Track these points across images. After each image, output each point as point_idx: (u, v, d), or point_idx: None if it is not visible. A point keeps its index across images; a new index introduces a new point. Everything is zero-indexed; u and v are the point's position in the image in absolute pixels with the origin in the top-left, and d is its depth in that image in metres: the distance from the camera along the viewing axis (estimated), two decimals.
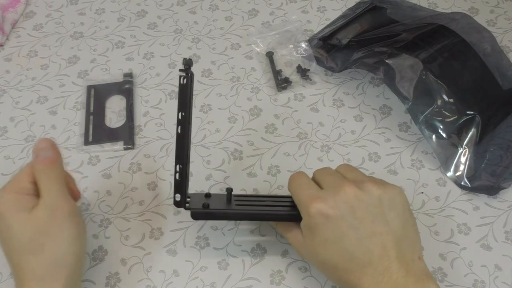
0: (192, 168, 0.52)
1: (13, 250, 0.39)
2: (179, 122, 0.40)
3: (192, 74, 0.40)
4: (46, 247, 0.38)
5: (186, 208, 0.42)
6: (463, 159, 0.51)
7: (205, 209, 0.43)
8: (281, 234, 0.45)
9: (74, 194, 0.44)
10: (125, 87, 0.58)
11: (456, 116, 0.51)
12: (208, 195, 0.45)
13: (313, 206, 0.38)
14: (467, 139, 0.51)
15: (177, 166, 0.41)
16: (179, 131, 0.40)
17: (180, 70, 0.39)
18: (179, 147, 0.41)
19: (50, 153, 0.40)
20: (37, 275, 0.38)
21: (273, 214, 0.43)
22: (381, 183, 0.40)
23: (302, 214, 0.40)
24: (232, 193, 0.45)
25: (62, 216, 0.39)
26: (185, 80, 0.39)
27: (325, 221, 0.38)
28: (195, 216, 0.43)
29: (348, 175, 0.42)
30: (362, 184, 0.39)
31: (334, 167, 0.52)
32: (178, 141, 0.41)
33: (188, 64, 0.39)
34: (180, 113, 0.40)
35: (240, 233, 0.48)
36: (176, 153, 0.41)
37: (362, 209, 0.38)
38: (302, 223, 0.40)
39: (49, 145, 0.41)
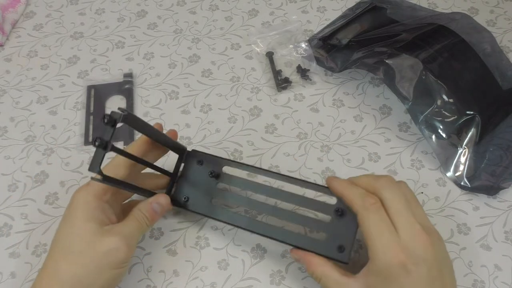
0: None
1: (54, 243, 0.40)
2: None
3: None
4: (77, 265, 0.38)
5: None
6: (463, 159, 0.51)
7: (182, 203, 0.46)
8: (320, 278, 0.40)
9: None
10: (125, 87, 0.58)
11: (456, 116, 0.51)
12: (200, 162, 0.47)
13: (395, 257, 0.36)
14: (467, 139, 0.51)
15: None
16: None
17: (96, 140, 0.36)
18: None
19: (159, 214, 0.43)
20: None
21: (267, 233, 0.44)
22: (436, 231, 0.39)
23: (375, 259, 0.37)
24: (224, 171, 0.46)
25: (115, 257, 0.39)
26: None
27: (406, 274, 0.36)
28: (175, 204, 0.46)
29: (416, 211, 0.39)
30: (433, 235, 0.38)
31: (333, 167, 0.52)
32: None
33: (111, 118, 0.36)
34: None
35: (240, 233, 0.48)
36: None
37: (436, 266, 0.37)
38: (372, 269, 0.37)
39: (164, 207, 0.44)
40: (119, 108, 0.37)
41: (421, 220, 0.38)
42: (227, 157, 0.53)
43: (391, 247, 0.36)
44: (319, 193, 0.44)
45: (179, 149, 0.48)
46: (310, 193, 0.47)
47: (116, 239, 0.39)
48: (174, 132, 0.47)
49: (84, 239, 0.38)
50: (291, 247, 0.43)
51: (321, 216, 0.45)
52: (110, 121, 0.36)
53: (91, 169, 0.36)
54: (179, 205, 0.46)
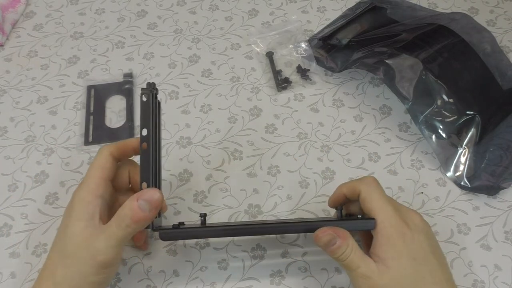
0: (192, 168, 0.52)
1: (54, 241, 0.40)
2: (143, 139, 0.39)
3: (155, 93, 0.40)
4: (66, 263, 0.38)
5: (152, 229, 0.40)
6: (463, 159, 0.51)
7: (175, 229, 0.40)
8: (350, 268, 0.39)
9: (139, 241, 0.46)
10: (125, 87, 0.58)
11: (456, 116, 0.51)
12: (181, 224, 0.43)
13: (399, 226, 0.39)
14: (467, 139, 0.51)
15: (142, 184, 0.39)
16: (143, 147, 0.39)
17: (142, 89, 0.39)
18: (143, 164, 0.39)
19: (147, 213, 0.38)
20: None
21: (258, 228, 0.41)
22: None
23: (382, 231, 0.39)
24: (207, 220, 0.43)
25: (96, 261, 0.38)
26: (145, 97, 0.39)
27: (410, 241, 0.38)
28: (164, 236, 0.40)
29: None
30: (421, 216, 0.42)
31: (333, 167, 0.52)
32: (143, 158, 0.39)
33: (151, 86, 0.40)
34: (142, 130, 0.39)
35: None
36: (141, 170, 0.39)
37: (432, 237, 0.41)
38: (379, 243, 0.39)
39: (154, 204, 0.38)
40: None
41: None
42: (227, 158, 0.53)
43: (395, 217, 0.39)
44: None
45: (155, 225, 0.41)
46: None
47: (93, 245, 0.38)
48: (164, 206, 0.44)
49: (75, 241, 0.38)
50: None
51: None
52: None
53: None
54: (171, 236, 0.41)
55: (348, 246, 0.38)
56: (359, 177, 0.43)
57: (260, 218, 0.49)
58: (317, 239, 0.39)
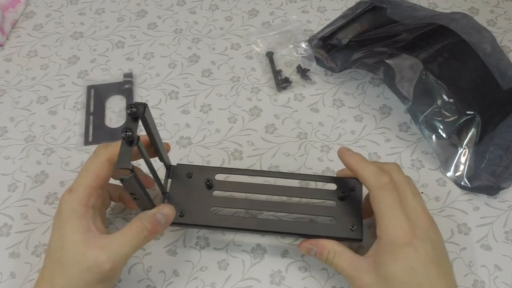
0: None
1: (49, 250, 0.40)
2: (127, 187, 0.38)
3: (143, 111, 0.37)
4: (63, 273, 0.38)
5: None
6: (463, 159, 0.51)
7: (179, 219, 0.43)
8: (336, 263, 0.41)
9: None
10: (125, 87, 0.58)
11: (456, 116, 0.51)
12: (189, 175, 0.45)
13: (404, 235, 0.38)
14: (467, 139, 0.51)
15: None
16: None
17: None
18: (139, 204, 0.41)
19: (162, 227, 0.41)
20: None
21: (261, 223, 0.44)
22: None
23: (384, 236, 0.38)
24: (216, 178, 0.45)
25: (98, 273, 0.38)
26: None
27: (413, 251, 0.37)
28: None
29: (420, 198, 0.41)
30: (433, 220, 0.40)
31: (333, 167, 0.52)
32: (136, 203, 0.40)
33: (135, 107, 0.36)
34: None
35: (240, 233, 0.48)
36: (137, 205, 0.41)
37: (439, 246, 0.40)
38: (380, 246, 0.38)
39: (169, 219, 0.41)
40: (136, 102, 0.36)
41: (423, 206, 0.41)
42: (227, 158, 0.53)
43: (401, 224, 0.38)
44: (319, 183, 0.46)
45: (167, 164, 0.45)
46: (309, 184, 0.48)
47: (100, 254, 0.38)
48: (167, 145, 0.45)
49: (72, 252, 0.38)
50: (298, 241, 0.43)
51: (324, 202, 0.46)
52: (133, 113, 0.35)
53: (122, 165, 0.34)
54: (175, 221, 0.43)
55: (329, 252, 0.41)
56: (380, 162, 0.43)
57: (260, 217, 0.49)
58: (300, 251, 0.44)
